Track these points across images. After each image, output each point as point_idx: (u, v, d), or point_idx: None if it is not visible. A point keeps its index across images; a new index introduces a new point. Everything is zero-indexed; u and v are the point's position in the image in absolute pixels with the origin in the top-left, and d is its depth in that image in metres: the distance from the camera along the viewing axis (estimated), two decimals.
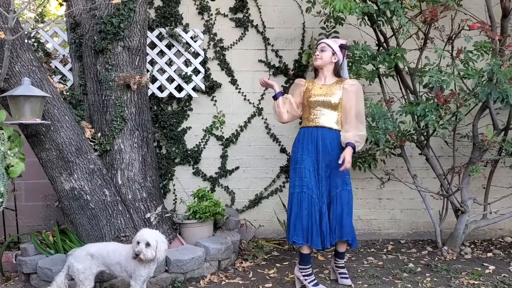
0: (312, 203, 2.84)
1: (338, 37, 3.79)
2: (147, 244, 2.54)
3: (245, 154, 4.19)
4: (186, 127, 4.13)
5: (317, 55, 2.98)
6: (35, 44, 3.79)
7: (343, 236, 2.88)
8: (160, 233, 2.65)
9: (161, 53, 3.99)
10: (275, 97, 3.08)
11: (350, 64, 3.52)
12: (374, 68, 3.58)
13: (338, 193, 2.88)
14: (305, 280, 2.93)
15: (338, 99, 2.92)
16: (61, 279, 2.70)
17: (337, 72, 3.02)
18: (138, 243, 2.55)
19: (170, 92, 3.98)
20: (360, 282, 3.07)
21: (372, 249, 3.87)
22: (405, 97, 3.72)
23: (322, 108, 2.92)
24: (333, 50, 2.96)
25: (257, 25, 4.12)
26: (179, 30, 3.96)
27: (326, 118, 2.92)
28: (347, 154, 2.80)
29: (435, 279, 3.11)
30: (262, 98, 4.16)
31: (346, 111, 2.90)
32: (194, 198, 3.65)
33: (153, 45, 3.95)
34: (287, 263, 3.54)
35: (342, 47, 3.00)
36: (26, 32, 3.39)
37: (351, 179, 4.00)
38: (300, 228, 2.84)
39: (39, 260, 3.12)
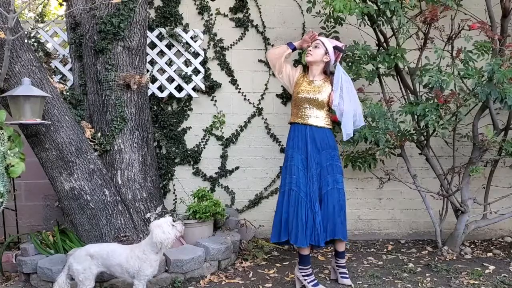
0: (298, 201, 2.85)
1: (338, 37, 3.79)
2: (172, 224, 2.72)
3: (245, 154, 4.19)
4: (186, 127, 4.13)
5: (310, 50, 3.01)
6: (35, 44, 3.79)
7: (335, 235, 2.89)
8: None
9: (161, 53, 3.99)
10: (290, 46, 3.14)
11: (350, 64, 3.52)
12: (374, 68, 3.57)
13: (328, 191, 2.89)
14: (305, 280, 2.93)
15: (326, 96, 2.95)
16: (63, 279, 2.71)
17: (325, 71, 3.04)
18: (172, 225, 2.70)
19: (170, 92, 3.98)
20: (360, 282, 3.07)
21: (372, 249, 3.87)
22: (405, 97, 3.72)
23: (309, 106, 2.95)
24: (326, 49, 2.98)
25: (257, 25, 4.12)
26: (179, 30, 3.96)
27: (314, 117, 2.95)
28: None
29: (435, 279, 3.11)
30: (262, 98, 4.16)
31: None
32: (194, 198, 3.65)
33: (153, 45, 3.94)
34: (287, 263, 3.54)
35: (336, 48, 3.01)
36: (26, 32, 3.39)
37: (351, 179, 4.08)
38: (285, 226, 2.87)
39: (39, 260, 3.12)
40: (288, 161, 2.95)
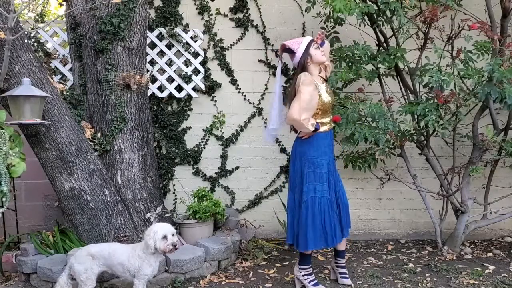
0: (330, 206, 2.85)
1: (338, 37, 3.79)
2: (173, 234, 2.61)
3: (245, 154, 4.19)
4: (186, 127, 4.13)
5: (323, 51, 2.92)
6: (35, 44, 3.79)
7: (350, 225, 3.03)
8: None
9: (161, 53, 3.99)
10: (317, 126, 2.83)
11: (350, 64, 3.52)
12: (374, 68, 3.58)
13: (340, 186, 2.97)
14: (305, 279, 2.93)
15: None
16: (64, 279, 2.71)
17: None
18: (165, 237, 2.58)
19: (170, 92, 3.98)
20: (360, 282, 3.07)
21: (372, 249, 3.87)
22: (405, 97, 3.72)
23: (331, 109, 2.96)
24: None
25: (257, 25, 4.12)
26: (179, 30, 3.96)
27: (330, 119, 2.97)
28: None
29: (435, 279, 3.11)
30: (262, 98, 4.16)
31: None
32: (194, 198, 3.65)
33: (153, 45, 3.94)
34: (287, 263, 3.54)
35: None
36: (26, 32, 3.39)
37: (351, 179, 4.10)
38: (323, 232, 2.82)
39: (39, 260, 3.12)
40: (319, 168, 2.83)
